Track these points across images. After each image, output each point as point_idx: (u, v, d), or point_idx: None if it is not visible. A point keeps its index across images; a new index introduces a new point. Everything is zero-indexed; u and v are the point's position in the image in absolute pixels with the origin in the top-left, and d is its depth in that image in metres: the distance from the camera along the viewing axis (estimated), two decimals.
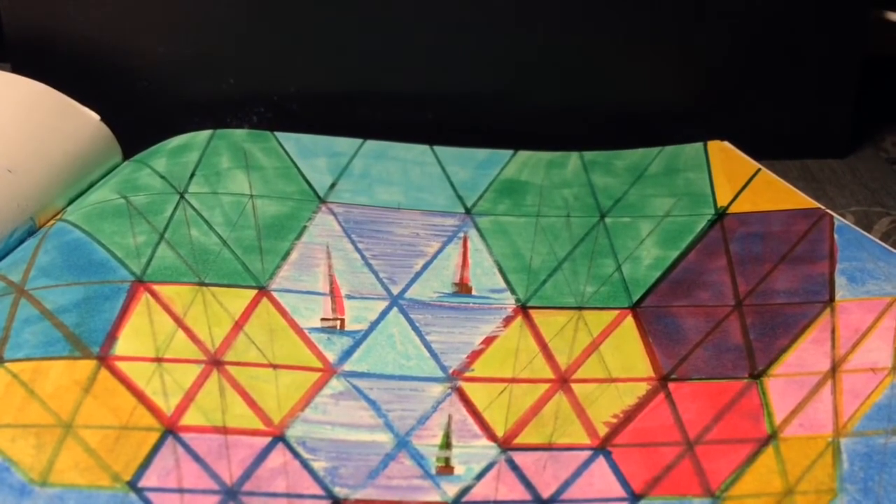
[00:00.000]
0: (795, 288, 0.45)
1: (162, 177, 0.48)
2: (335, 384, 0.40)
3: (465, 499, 0.36)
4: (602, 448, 0.39)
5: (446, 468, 0.37)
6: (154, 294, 0.43)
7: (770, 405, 0.41)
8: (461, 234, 0.48)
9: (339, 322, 0.44)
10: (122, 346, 0.40)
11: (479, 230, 0.48)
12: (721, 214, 0.48)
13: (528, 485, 0.37)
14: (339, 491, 0.36)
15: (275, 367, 0.41)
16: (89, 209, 0.47)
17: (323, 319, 0.43)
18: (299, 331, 0.43)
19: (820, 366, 0.42)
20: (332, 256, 0.46)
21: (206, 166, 0.49)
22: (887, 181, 0.60)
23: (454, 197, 0.49)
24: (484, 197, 0.49)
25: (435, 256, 0.47)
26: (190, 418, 0.37)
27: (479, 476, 0.37)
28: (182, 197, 0.47)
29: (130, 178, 0.48)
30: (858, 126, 0.62)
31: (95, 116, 0.53)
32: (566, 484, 0.37)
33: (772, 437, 0.39)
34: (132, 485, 0.35)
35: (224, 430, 0.37)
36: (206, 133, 0.51)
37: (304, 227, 0.47)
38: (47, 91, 0.53)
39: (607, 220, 0.49)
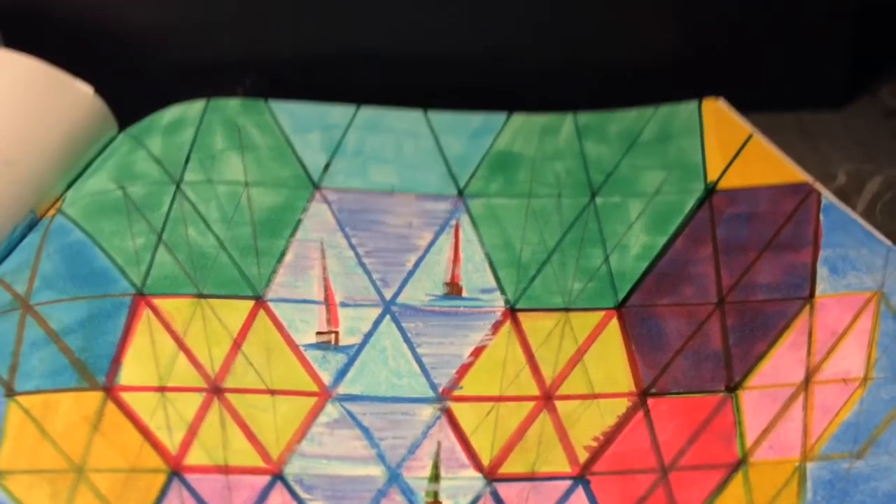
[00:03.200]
0: (777, 281, 0.47)
1: (157, 161, 0.49)
2: (330, 410, 0.43)
3: None
4: (581, 476, 0.41)
5: (435, 503, 0.40)
6: (154, 309, 0.45)
7: (743, 423, 0.43)
8: (453, 222, 0.49)
9: (333, 336, 0.46)
10: (126, 374, 0.43)
11: (470, 216, 0.49)
12: (710, 191, 0.50)
13: None
14: None
15: (272, 392, 0.43)
16: (88, 201, 0.48)
17: (318, 333, 0.46)
18: (295, 348, 0.45)
19: (794, 376, 0.45)
20: (327, 255, 0.48)
21: (200, 148, 0.50)
22: (881, 135, 0.60)
23: (447, 175, 0.50)
24: (476, 175, 0.51)
25: (427, 251, 0.48)
26: (193, 457, 0.40)
27: None
28: (178, 187, 0.49)
29: (126, 163, 0.50)
30: (855, 74, 0.61)
31: (89, 90, 0.53)
32: None
33: (742, 462, 0.42)
34: None
35: (226, 469, 0.40)
36: (199, 105, 0.52)
37: (299, 220, 0.48)
38: (40, 67, 0.53)
39: (598, 199, 0.50)
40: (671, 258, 0.48)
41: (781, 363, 0.45)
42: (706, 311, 0.47)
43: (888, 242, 0.48)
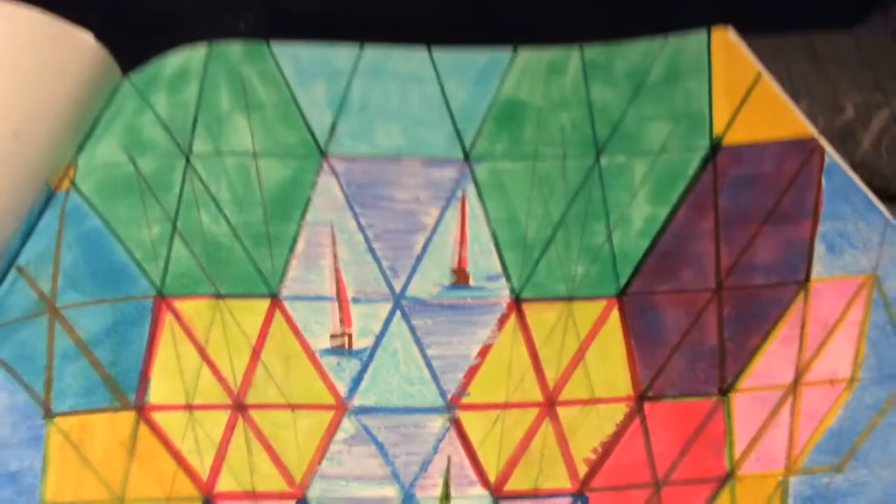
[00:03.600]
0: (775, 260, 0.50)
1: (165, 127, 0.51)
2: (347, 426, 0.46)
3: None
4: (581, 493, 0.46)
5: None
6: (176, 314, 0.48)
7: (733, 431, 0.47)
8: (459, 193, 0.51)
9: (346, 339, 0.49)
10: (154, 391, 0.46)
11: (476, 184, 0.52)
12: (715, 148, 0.52)
13: None
14: None
15: (293, 407, 0.47)
16: (100, 176, 0.50)
17: (332, 337, 0.49)
18: (311, 355, 0.48)
19: (784, 377, 0.48)
20: (337, 241, 0.50)
21: (206, 109, 0.51)
22: (892, 58, 0.61)
23: (453, 134, 0.52)
24: (482, 132, 0.52)
25: (434, 230, 0.51)
26: (224, 483, 0.44)
27: None
28: (188, 161, 0.51)
29: (134, 128, 0.51)
30: None
31: (90, 37, 0.53)
32: None
33: (729, 476, 0.46)
34: None
35: (254, 495, 0.44)
36: (201, 53, 0.53)
37: (309, 198, 0.50)
38: (38, 18, 0.51)
39: (603, 159, 0.52)
40: (673, 233, 0.51)
41: (773, 361, 0.48)
42: (704, 298, 0.49)
43: (887, 213, 0.50)
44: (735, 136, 0.51)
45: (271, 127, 0.50)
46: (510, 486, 0.45)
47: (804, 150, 0.50)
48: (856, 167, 0.55)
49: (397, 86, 0.51)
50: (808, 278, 0.50)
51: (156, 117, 0.50)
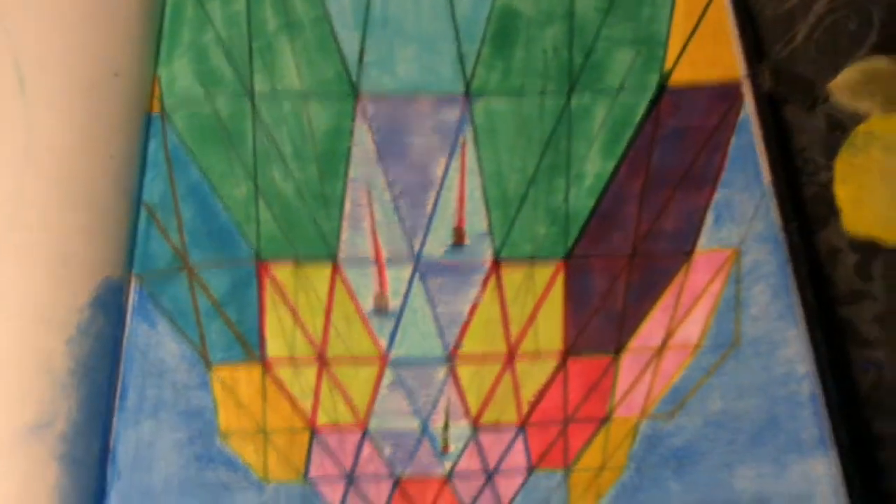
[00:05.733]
0: (678, 228, 0.68)
1: (227, 53, 0.66)
2: (388, 374, 0.73)
3: (455, 469, 0.75)
4: (522, 427, 0.77)
5: (446, 447, 0.74)
6: (273, 279, 0.70)
7: (616, 385, 0.71)
8: (461, 139, 0.69)
9: (385, 301, 0.73)
10: (271, 348, 0.70)
11: (474, 128, 0.68)
12: (661, 88, 0.67)
13: (482, 459, 0.76)
14: (399, 471, 0.74)
15: (356, 361, 0.73)
16: (187, 113, 0.67)
17: (375, 298, 0.71)
18: (363, 316, 0.71)
19: (655, 340, 0.70)
20: (372, 199, 0.69)
21: (257, 32, 0.66)
22: None
23: (457, 60, 0.68)
24: (481, 56, 0.68)
25: (441, 185, 0.69)
26: (320, 418, 0.72)
27: (461, 453, 0.75)
28: (252, 104, 0.67)
29: (200, 46, 0.66)
30: None
31: None
32: (501, 458, 0.76)
33: (607, 419, 0.73)
34: (305, 476, 0.70)
35: (338, 428, 0.72)
36: None
37: (348, 148, 0.69)
38: None
39: (573, 99, 0.68)
40: (613, 192, 0.68)
41: (652, 327, 0.70)
42: (621, 264, 0.69)
43: (767, 181, 0.67)
44: (680, 75, 0.67)
45: (312, 57, 0.66)
46: (483, 420, 0.73)
47: (729, 97, 0.67)
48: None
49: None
50: (693, 250, 0.69)
51: (217, 36, 0.65)
